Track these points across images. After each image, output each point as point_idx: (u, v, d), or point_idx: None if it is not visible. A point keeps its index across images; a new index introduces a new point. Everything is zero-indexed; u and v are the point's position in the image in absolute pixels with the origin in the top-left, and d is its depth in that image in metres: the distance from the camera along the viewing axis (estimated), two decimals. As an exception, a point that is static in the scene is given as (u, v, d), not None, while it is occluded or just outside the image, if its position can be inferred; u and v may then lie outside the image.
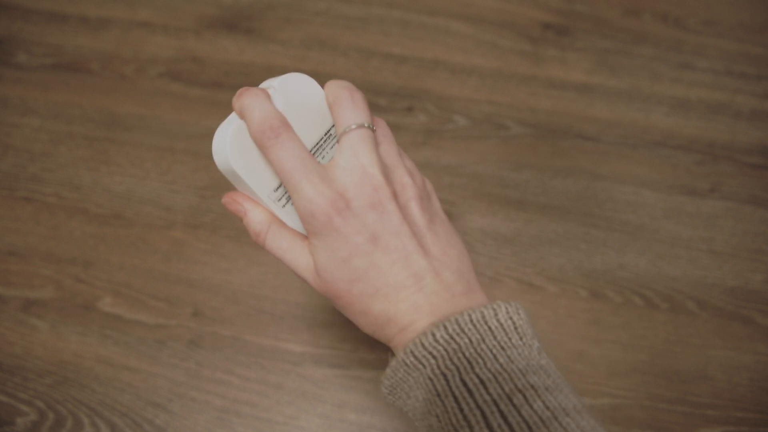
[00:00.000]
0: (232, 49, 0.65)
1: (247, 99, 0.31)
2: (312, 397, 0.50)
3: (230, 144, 0.31)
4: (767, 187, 0.59)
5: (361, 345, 0.52)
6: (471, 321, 0.29)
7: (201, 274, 0.54)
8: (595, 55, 0.66)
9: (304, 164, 0.30)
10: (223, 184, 0.58)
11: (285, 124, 0.31)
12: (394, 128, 0.61)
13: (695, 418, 0.50)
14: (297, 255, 0.33)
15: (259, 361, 0.51)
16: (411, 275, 0.31)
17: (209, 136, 0.60)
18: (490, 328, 0.29)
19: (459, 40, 0.66)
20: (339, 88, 0.32)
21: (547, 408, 0.27)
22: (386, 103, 0.63)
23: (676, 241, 0.56)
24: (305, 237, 0.33)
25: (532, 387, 0.28)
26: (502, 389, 0.28)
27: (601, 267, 0.55)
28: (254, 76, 0.64)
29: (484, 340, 0.29)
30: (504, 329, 0.30)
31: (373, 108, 0.62)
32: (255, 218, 0.33)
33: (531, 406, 0.27)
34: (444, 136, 0.61)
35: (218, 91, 0.63)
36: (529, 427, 0.27)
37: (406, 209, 0.32)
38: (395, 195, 0.32)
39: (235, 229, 0.56)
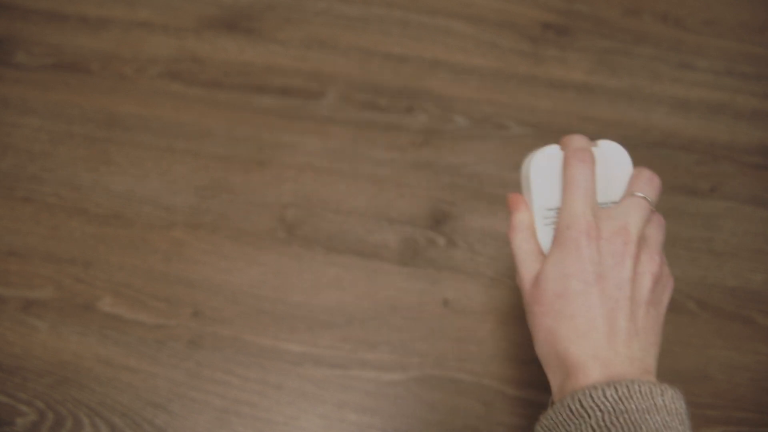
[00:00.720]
0: (232, 49, 0.65)
1: (577, 136, 0.39)
2: (312, 397, 0.50)
3: (539, 157, 0.38)
4: (767, 187, 0.59)
5: (361, 345, 0.52)
6: (640, 391, 0.31)
7: (201, 274, 0.54)
8: (595, 55, 0.66)
9: (589, 190, 0.36)
10: (223, 184, 0.58)
11: (594, 161, 0.37)
12: (395, 129, 0.61)
13: (695, 419, 0.50)
14: (530, 259, 0.37)
15: (259, 361, 0.51)
16: (608, 326, 0.33)
17: (209, 135, 0.60)
18: (655, 404, 0.31)
19: (459, 40, 0.66)
20: (647, 169, 0.38)
21: None
22: (386, 103, 0.63)
23: (676, 241, 0.56)
24: (542, 253, 0.37)
25: None
26: None
27: (601, 267, 0.55)
28: (254, 76, 0.64)
29: (648, 412, 0.31)
30: (667, 410, 0.31)
31: (373, 108, 0.62)
32: (522, 217, 0.39)
33: None
34: (444, 136, 0.61)
35: (218, 91, 0.63)
36: None
37: (639, 276, 0.35)
38: (638, 259, 0.35)
39: (235, 229, 0.56)
